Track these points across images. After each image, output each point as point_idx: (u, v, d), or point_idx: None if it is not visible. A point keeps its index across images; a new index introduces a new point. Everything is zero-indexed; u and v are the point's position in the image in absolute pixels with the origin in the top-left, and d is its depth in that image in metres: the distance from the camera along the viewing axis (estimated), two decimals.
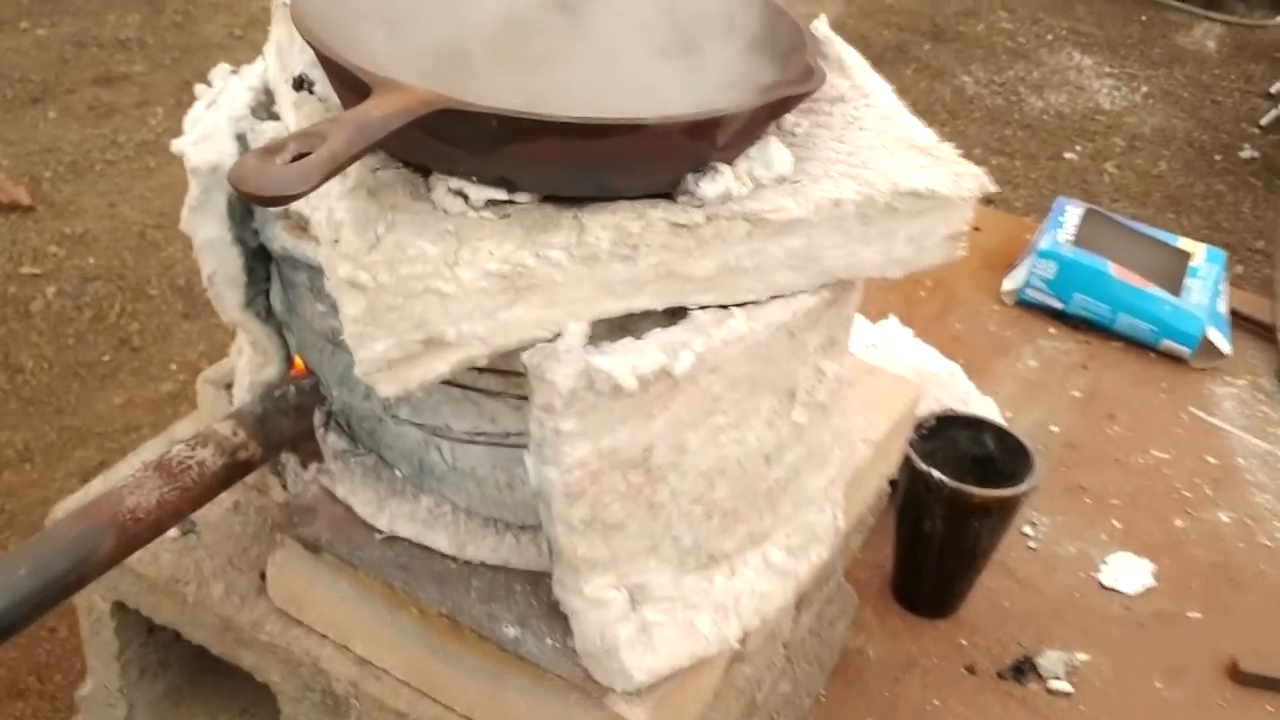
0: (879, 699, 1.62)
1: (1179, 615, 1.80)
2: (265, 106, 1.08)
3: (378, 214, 0.84)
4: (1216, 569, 1.89)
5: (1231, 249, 2.78)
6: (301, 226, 1.00)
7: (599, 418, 0.86)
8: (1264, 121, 3.58)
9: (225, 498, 1.12)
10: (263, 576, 1.14)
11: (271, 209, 1.01)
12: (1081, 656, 1.71)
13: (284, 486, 1.17)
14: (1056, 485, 2.01)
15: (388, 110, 0.77)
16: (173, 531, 1.15)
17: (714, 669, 1.08)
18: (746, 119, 0.87)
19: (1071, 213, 2.55)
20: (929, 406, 1.75)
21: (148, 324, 2.33)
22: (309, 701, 1.13)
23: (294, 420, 1.11)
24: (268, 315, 1.13)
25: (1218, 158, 3.39)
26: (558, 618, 1.00)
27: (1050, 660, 1.69)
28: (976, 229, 1.07)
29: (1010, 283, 2.51)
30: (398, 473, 1.10)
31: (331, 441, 1.12)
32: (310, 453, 1.13)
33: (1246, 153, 3.43)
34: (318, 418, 1.13)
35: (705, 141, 0.87)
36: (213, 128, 1.03)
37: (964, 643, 1.72)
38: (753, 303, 0.94)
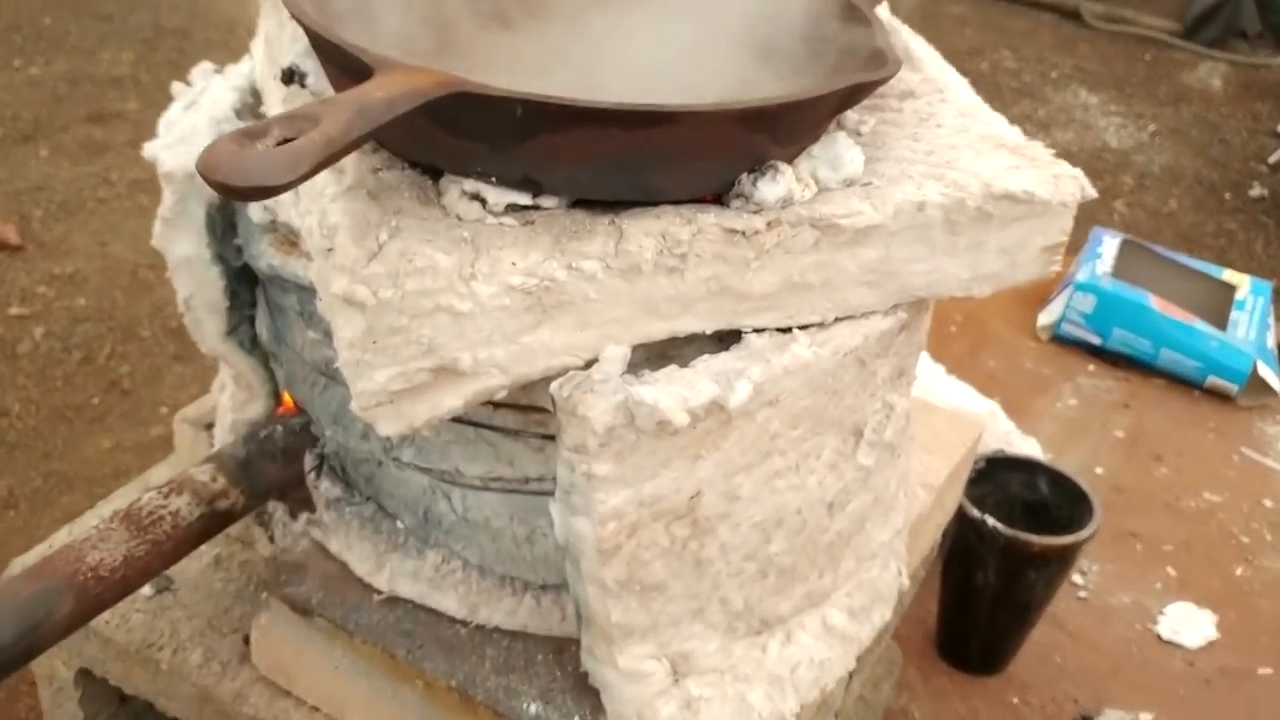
0: None
1: (1248, 672, 1.76)
2: (252, 109, 1.05)
3: (379, 218, 0.77)
4: None
5: None
6: (291, 241, 0.96)
7: (639, 460, 0.79)
8: (1273, 160, 3.64)
9: (205, 552, 1.11)
10: (246, 641, 1.10)
11: (256, 219, 0.96)
12: (1145, 717, 1.67)
13: (270, 539, 1.14)
14: (1106, 531, 1.97)
15: (393, 92, 0.69)
16: (146, 589, 1.13)
17: None
18: (812, 108, 0.80)
19: (1109, 243, 2.54)
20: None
21: (138, 366, 2.36)
22: None
23: (281, 464, 1.07)
24: (252, 345, 1.10)
25: (1227, 196, 3.46)
26: (586, 692, 0.95)
27: None
28: None
29: (1046, 317, 2.49)
30: (400, 524, 1.06)
31: (324, 488, 1.08)
32: (300, 501, 1.09)
33: (1256, 191, 3.48)
34: (308, 461, 1.09)
35: (764, 135, 0.80)
36: (191, 130, 1.00)
37: (1015, 701, 1.68)
38: (816, 325, 0.87)
